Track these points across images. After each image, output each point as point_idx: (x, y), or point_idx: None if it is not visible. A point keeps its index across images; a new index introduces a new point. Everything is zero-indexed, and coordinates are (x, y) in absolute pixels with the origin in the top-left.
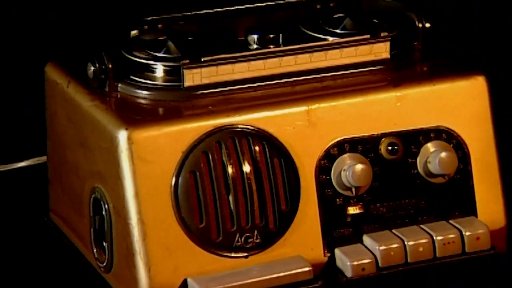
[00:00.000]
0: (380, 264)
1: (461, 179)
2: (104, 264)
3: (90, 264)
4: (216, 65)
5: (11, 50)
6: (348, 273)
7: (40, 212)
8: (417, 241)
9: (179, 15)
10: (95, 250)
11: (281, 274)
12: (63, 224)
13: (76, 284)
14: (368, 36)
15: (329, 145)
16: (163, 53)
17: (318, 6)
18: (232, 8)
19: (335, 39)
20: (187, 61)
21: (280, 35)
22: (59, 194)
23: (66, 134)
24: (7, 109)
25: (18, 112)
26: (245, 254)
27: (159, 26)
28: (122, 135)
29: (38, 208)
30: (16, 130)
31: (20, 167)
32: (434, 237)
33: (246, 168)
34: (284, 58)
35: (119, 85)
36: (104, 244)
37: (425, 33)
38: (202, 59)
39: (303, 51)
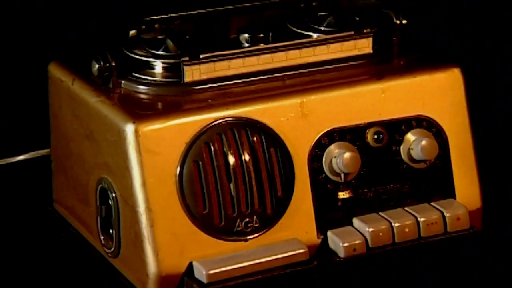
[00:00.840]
0: (370, 245)
1: (440, 164)
2: (112, 249)
3: (96, 250)
4: (214, 61)
5: (12, 50)
6: (341, 254)
7: (43, 203)
8: (403, 222)
9: (175, 15)
10: (102, 237)
11: (279, 256)
12: (67, 213)
13: (83, 268)
14: (352, 32)
15: (320, 134)
16: (163, 51)
17: (302, 5)
18: (222, 8)
19: (320, 36)
20: (187, 58)
21: (270, 33)
22: (63, 185)
23: (70, 129)
24: (7, 106)
25: (16, 109)
26: (245, 237)
27: (156, 26)
28: (130, 129)
29: (40, 199)
30: (14, 125)
31: (18, 161)
32: (418, 219)
33: (245, 157)
34: (275, 54)
35: (123, 82)
36: (111, 231)
37: (402, 29)
38: (201, 56)
39: (293, 47)
